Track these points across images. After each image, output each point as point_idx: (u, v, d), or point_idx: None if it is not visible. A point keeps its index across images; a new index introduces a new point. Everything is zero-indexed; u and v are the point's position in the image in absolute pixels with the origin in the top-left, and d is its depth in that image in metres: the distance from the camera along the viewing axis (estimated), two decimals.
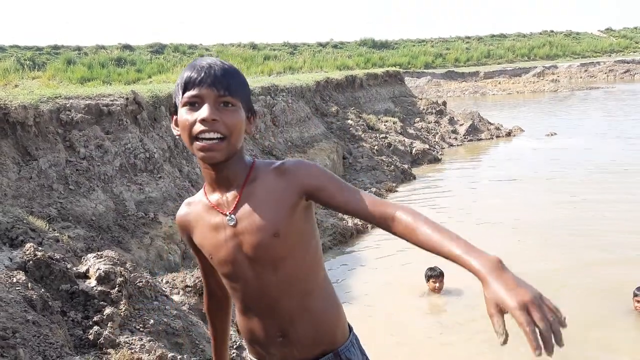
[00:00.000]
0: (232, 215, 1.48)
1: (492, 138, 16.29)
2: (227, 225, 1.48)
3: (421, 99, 18.76)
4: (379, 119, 14.11)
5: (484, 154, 14.48)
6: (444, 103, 18.60)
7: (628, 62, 45.37)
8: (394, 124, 14.28)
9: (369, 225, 7.71)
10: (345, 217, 7.70)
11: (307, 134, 9.78)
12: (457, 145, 15.61)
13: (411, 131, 14.67)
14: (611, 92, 32.94)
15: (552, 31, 57.95)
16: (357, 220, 7.64)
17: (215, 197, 1.50)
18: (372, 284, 5.74)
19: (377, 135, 12.72)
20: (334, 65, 36.95)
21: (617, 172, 10.49)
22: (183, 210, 1.61)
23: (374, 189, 9.72)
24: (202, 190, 1.57)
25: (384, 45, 49.83)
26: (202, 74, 1.38)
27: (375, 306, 5.24)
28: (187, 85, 1.39)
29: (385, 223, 1.43)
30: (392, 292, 5.51)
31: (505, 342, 1.06)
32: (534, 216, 7.78)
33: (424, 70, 42.48)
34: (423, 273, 5.35)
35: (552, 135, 16.00)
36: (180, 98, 1.40)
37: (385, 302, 5.31)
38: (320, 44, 47.43)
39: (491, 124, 17.22)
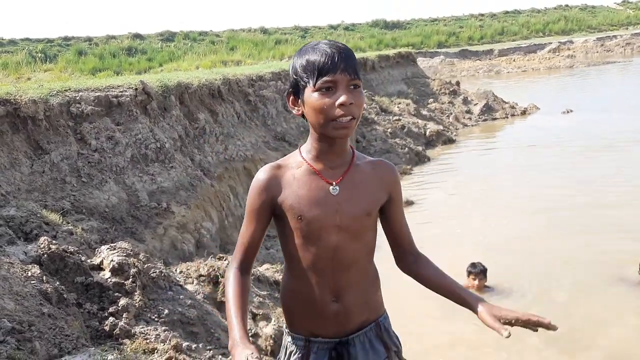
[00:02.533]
0: (337, 186, 1.65)
1: (507, 117, 16.07)
2: (327, 192, 1.65)
3: (434, 79, 18.54)
4: (392, 101, 13.98)
5: (499, 133, 14.29)
6: (458, 83, 18.35)
7: None
8: (407, 105, 14.14)
9: None
10: None
11: None
12: (472, 125, 15.42)
13: (425, 112, 14.52)
14: (629, 65, 32.25)
15: (567, 5, 56.78)
16: None
17: (319, 165, 1.66)
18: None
19: (391, 117, 12.61)
20: None
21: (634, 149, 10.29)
22: (270, 172, 1.68)
23: None
24: (296, 157, 1.70)
25: (395, 26, 49.26)
26: (335, 60, 1.52)
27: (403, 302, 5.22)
28: (321, 71, 1.52)
29: (409, 259, 1.84)
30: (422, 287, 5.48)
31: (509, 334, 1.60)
32: (548, 197, 7.67)
33: (437, 50, 41.93)
34: (464, 268, 5.05)
35: (568, 112, 15.73)
36: (313, 83, 1.53)
37: (413, 299, 5.22)
38: (331, 27, 47.04)
39: (506, 102, 16.97)
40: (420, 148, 11.56)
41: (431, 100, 16.05)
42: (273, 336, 3.65)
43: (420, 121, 13.42)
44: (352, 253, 1.68)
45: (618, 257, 5.09)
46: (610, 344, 3.92)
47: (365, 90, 10.10)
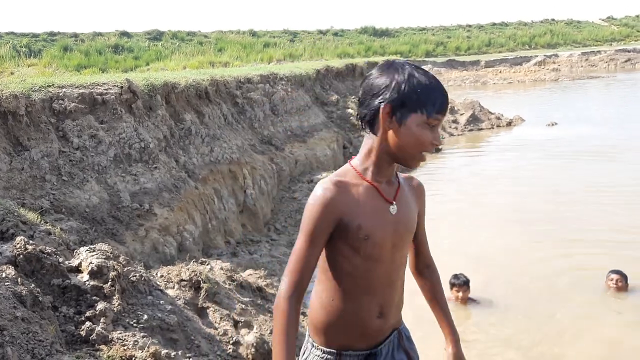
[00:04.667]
0: (395, 205, 1.69)
1: (493, 127, 16.17)
2: (387, 211, 1.68)
3: None
4: None
5: (485, 144, 14.37)
6: None
7: (629, 51, 45.04)
8: None
9: None
10: None
11: (307, 123, 9.67)
12: (458, 134, 15.48)
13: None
14: (612, 81, 32.72)
15: (553, 19, 57.59)
16: None
17: (379, 184, 1.67)
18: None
19: None
20: (334, 53, 36.70)
21: (616, 161, 10.40)
22: (335, 189, 1.61)
23: None
24: (351, 172, 1.67)
25: (384, 33, 49.51)
26: (447, 102, 1.65)
27: None
28: (439, 109, 1.59)
29: (423, 265, 1.97)
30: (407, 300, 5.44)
31: None
32: (531, 208, 7.70)
33: (425, 59, 42.18)
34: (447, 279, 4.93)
35: (553, 124, 15.88)
36: (427, 115, 1.56)
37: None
38: (320, 32, 47.10)
39: (492, 113, 17.08)
40: None
41: None
42: (255, 344, 3.57)
43: None
44: (400, 269, 1.76)
45: (596, 269, 5.09)
46: (581, 356, 3.91)
47: (353, 97, 10.11)
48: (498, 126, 16.36)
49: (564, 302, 4.76)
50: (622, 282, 4.65)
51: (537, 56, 43.21)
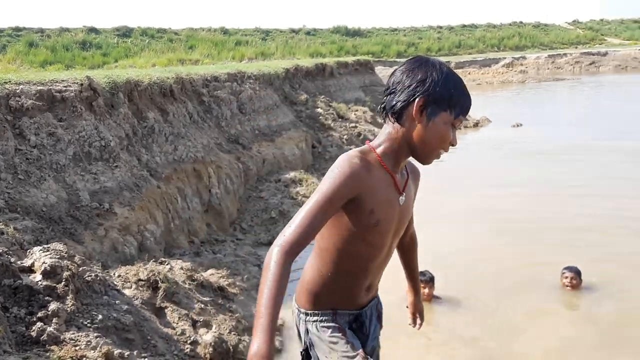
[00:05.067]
0: (404, 196, 1.83)
1: (460, 128, 16.23)
2: (397, 201, 1.80)
3: None
4: (349, 108, 14.05)
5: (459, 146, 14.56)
6: None
7: (593, 54, 46.21)
8: (364, 113, 14.23)
9: None
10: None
11: (275, 122, 9.66)
12: None
13: (381, 121, 14.62)
14: (576, 83, 33.53)
15: (521, 22, 58.64)
16: None
17: (395, 173, 1.77)
18: None
19: (347, 124, 12.66)
20: (307, 52, 36.69)
21: (578, 161, 10.68)
22: (362, 165, 1.66)
23: None
24: (373, 156, 1.72)
25: (356, 33, 49.69)
26: (470, 107, 1.74)
27: None
28: (465, 111, 1.71)
29: (407, 236, 2.23)
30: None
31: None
32: (497, 205, 7.85)
33: (397, 60, 42.50)
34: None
35: (518, 126, 16.20)
36: (455, 115, 1.67)
37: None
38: (293, 30, 47.01)
39: None
40: None
41: None
42: (213, 344, 3.57)
43: (376, 129, 13.51)
44: (393, 252, 1.97)
45: (555, 265, 5.22)
46: (536, 351, 4.01)
47: (323, 96, 10.12)
48: (465, 127, 16.59)
49: (521, 299, 4.87)
50: (575, 280, 4.78)
51: (505, 58, 43.98)
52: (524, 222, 7.09)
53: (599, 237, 6.33)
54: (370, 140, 1.84)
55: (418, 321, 2.33)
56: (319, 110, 11.98)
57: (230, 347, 3.65)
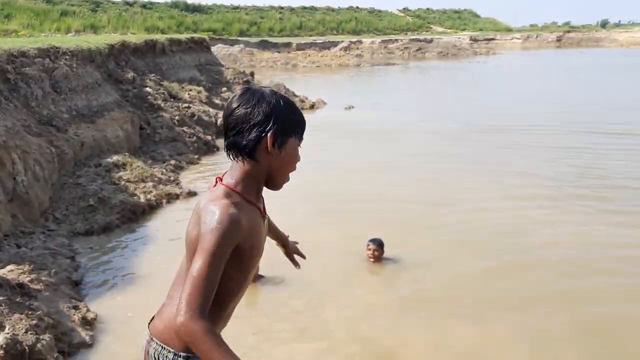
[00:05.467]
0: (266, 217, 1.92)
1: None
2: (264, 226, 1.87)
3: (228, 68, 18.58)
4: (182, 88, 13.64)
5: None
6: (252, 73, 18.70)
7: (421, 41, 50.31)
8: (198, 93, 13.93)
9: (163, 201, 7.46)
10: (137, 192, 7.34)
11: (97, 103, 9.04)
12: None
13: (217, 101, 14.47)
14: (405, 68, 36.30)
15: (357, 7, 61.61)
16: (149, 196, 7.32)
17: (256, 201, 1.82)
18: (170, 263, 5.56)
19: (180, 104, 12.28)
20: (142, 26, 34.73)
21: (400, 141, 11.64)
22: (237, 213, 1.67)
23: (173, 161, 9.41)
24: (236, 197, 1.74)
25: (196, 9, 48.24)
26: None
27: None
28: (303, 132, 1.86)
29: None
30: None
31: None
32: (320, 183, 8.27)
33: (239, 38, 42.15)
34: None
35: (350, 108, 17.11)
36: (299, 139, 1.83)
37: None
38: (127, 3, 44.16)
39: (296, 96, 17.77)
40: (209, 137, 11.50)
41: (225, 89, 16.07)
42: (4, 345, 3.29)
43: (211, 110, 13.32)
44: None
45: (364, 238, 5.61)
46: (341, 318, 4.34)
47: (153, 75, 9.63)
48: (302, 108, 17.04)
49: (334, 272, 5.19)
50: (378, 251, 5.21)
51: (343, 41, 45.97)
52: (341, 198, 7.57)
53: (404, 210, 6.98)
54: (222, 178, 1.83)
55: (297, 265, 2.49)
56: (148, 89, 11.46)
57: (26, 348, 3.40)
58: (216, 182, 1.79)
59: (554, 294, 4.74)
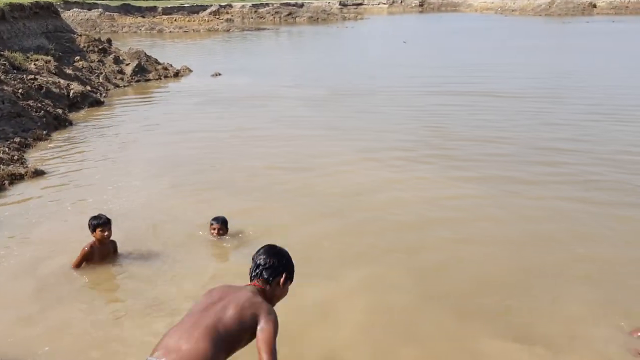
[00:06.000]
0: None
1: (161, 78, 16.18)
2: None
3: (81, 35, 17.25)
4: (27, 58, 12.48)
5: (153, 95, 14.29)
6: (109, 40, 17.53)
7: (291, 5, 50.22)
8: (46, 63, 12.83)
9: (5, 182, 6.87)
10: None
11: None
12: (124, 86, 15.00)
13: (69, 71, 13.44)
14: (275, 33, 36.14)
15: None
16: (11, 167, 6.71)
17: None
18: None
19: (25, 76, 11.25)
20: None
21: (266, 107, 11.69)
22: None
23: (18, 139, 8.65)
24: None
25: None
26: None
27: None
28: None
29: None
30: (49, 251, 5.04)
31: None
32: (184, 153, 8.11)
33: (97, 2, 39.18)
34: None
35: (217, 75, 16.76)
36: (291, 280, 2.90)
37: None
38: None
39: (159, 63, 17.04)
40: (60, 111, 10.70)
41: (78, 58, 14.95)
42: None
43: (62, 81, 12.37)
44: None
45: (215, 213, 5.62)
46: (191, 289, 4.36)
47: None
48: (166, 77, 16.45)
49: (185, 248, 5.13)
50: (222, 230, 5.21)
51: (212, 5, 44.54)
52: (198, 168, 7.51)
53: (263, 177, 7.09)
54: None
55: None
56: None
57: None
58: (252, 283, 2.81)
59: (397, 246, 5.12)
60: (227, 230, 5.22)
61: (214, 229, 5.17)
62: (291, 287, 2.88)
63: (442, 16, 56.06)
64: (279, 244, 2.97)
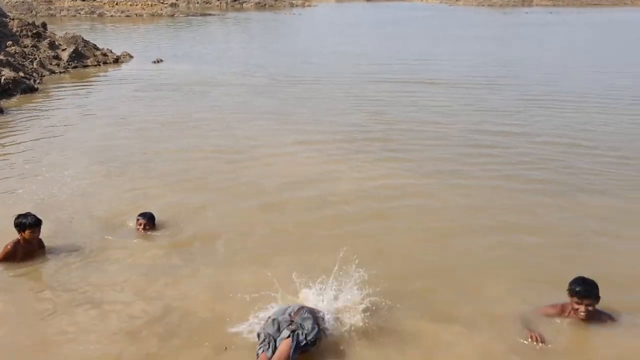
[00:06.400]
0: None
1: (100, 64, 15.69)
2: None
3: (14, 18, 16.47)
4: None
5: (91, 82, 13.83)
6: (44, 24, 16.82)
7: None
8: None
9: None
10: None
11: None
12: (61, 72, 14.45)
13: (1, 57, 12.84)
14: (222, 19, 35.55)
15: None
16: None
17: None
18: None
19: None
20: None
21: (206, 94, 11.58)
22: None
23: None
24: None
25: None
26: None
27: None
28: None
29: None
30: None
31: None
32: (118, 143, 7.96)
33: None
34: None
35: (159, 61, 16.39)
36: None
37: None
38: None
39: (98, 49, 16.50)
40: None
41: (10, 43, 14.29)
42: None
43: None
44: None
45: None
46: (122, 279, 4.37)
47: None
48: (105, 63, 15.96)
49: (115, 235, 5.13)
50: (148, 225, 5.12)
51: None
52: (133, 157, 7.43)
53: (197, 164, 7.07)
54: None
55: None
56: None
57: None
58: None
59: (330, 233, 5.23)
60: (153, 226, 5.16)
61: (140, 224, 5.12)
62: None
63: (389, 5, 56.56)
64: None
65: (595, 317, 3.74)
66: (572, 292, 3.71)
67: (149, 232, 5.13)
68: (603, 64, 16.64)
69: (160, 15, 35.36)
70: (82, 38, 16.23)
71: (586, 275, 3.79)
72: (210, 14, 37.94)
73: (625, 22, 34.00)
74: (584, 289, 3.67)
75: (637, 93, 11.87)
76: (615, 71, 15.13)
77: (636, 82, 13.35)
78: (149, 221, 5.14)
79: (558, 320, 3.81)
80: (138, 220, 5.15)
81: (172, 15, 35.29)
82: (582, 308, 3.68)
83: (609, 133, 8.70)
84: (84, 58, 15.50)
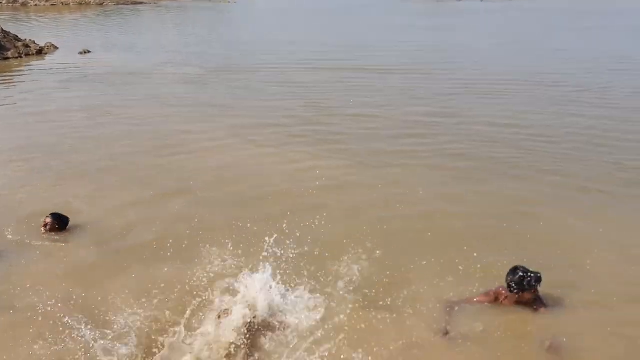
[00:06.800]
0: None
1: (21, 56, 14.82)
2: None
3: None
4: None
5: (13, 75, 13.06)
6: None
7: None
8: None
9: None
10: None
11: None
12: None
13: None
14: (155, 7, 34.43)
15: None
16: None
17: None
18: None
19: None
20: None
21: (140, 83, 11.18)
22: None
23: None
24: None
25: None
26: None
27: None
28: None
29: None
30: None
31: None
32: (40, 141, 7.57)
33: None
34: None
35: (86, 52, 15.68)
36: None
37: None
38: None
39: (19, 40, 15.60)
40: None
41: None
42: None
43: None
44: None
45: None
46: None
47: None
48: (27, 54, 15.11)
49: (11, 239, 4.88)
50: (51, 226, 4.82)
51: None
52: (61, 151, 7.13)
53: (125, 157, 6.85)
54: None
55: None
56: None
57: None
58: None
59: (262, 221, 5.15)
60: (63, 227, 4.89)
61: (45, 224, 4.84)
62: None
63: None
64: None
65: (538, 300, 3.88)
66: (520, 287, 3.78)
67: (53, 233, 4.84)
68: (530, 49, 17.21)
69: (89, 4, 33.87)
70: (2, 29, 15.28)
71: (514, 261, 3.93)
72: (142, 2, 36.67)
73: (552, 10, 35.38)
74: (535, 279, 3.79)
75: (560, 79, 12.34)
76: (541, 56, 15.71)
77: (562, 66, 13.86)
78: (53, 221, 4.84)
79: (491, 307, 3.91)
80: (45, 219, 4.86)
81: (102, 4, 33.87)
82: (532, 296, 3.83)
83: (536, 118, 9.01)
84: (4, 50, 14.63)
